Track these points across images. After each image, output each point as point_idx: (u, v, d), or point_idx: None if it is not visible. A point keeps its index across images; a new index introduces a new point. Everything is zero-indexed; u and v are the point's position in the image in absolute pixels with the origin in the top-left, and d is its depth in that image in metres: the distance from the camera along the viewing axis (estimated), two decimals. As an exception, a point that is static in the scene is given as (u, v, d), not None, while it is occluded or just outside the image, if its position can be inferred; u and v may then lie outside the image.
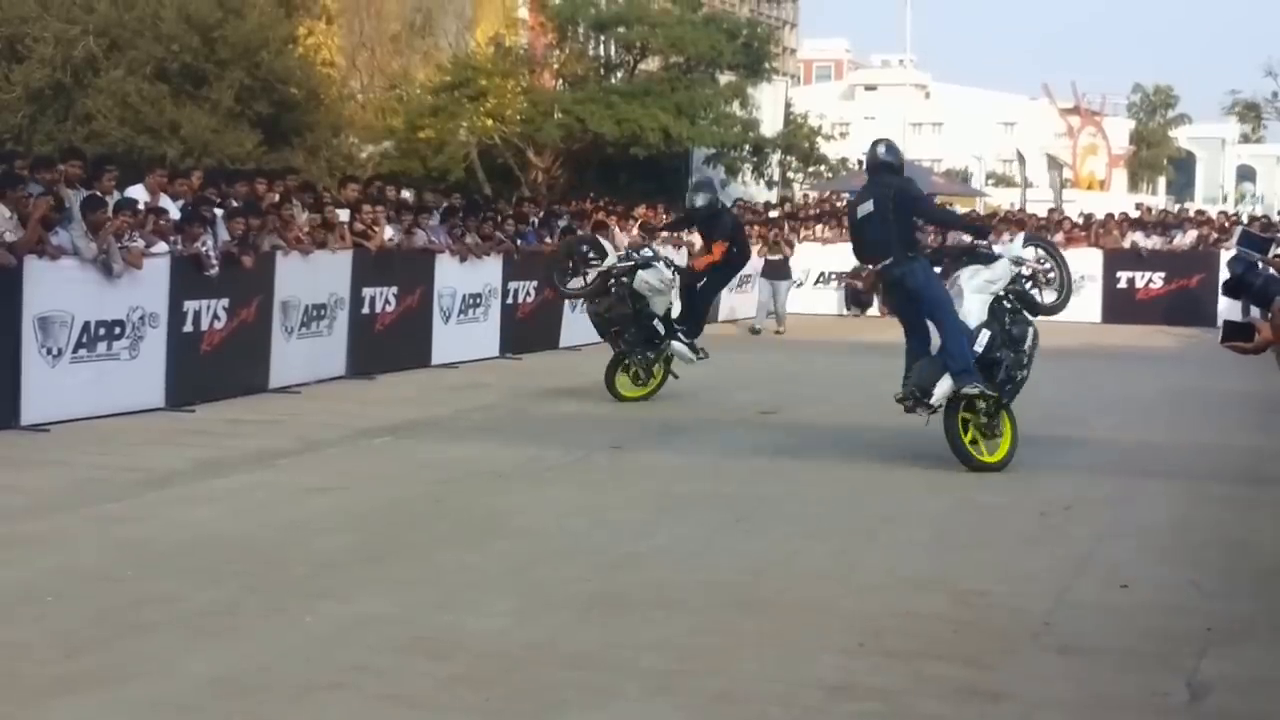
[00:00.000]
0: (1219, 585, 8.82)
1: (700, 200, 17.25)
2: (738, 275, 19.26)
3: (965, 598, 8.22)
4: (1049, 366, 20.53)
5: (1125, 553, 9.65)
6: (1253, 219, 38.06)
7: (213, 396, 15.40)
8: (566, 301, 22.76)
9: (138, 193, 16.25)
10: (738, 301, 30.06)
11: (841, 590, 8.46)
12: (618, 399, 16.60)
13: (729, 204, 32.29)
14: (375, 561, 9.01)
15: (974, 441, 12.23)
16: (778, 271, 28.70)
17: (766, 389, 17.88)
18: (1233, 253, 6.55)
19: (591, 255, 16.80)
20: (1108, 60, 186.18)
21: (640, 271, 16.59)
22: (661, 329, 16.75)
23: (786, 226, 30.85)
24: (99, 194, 14.99)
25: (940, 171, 67.09)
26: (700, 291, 17.31)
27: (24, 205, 13.84)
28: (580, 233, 19.08)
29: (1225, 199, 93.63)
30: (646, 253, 16.93)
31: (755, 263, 29.12)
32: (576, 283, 16.85)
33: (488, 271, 20.99)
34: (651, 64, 37.46)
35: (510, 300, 21.56)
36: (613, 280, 16.49)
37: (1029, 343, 12.42)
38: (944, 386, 12.04)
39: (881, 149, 12.64)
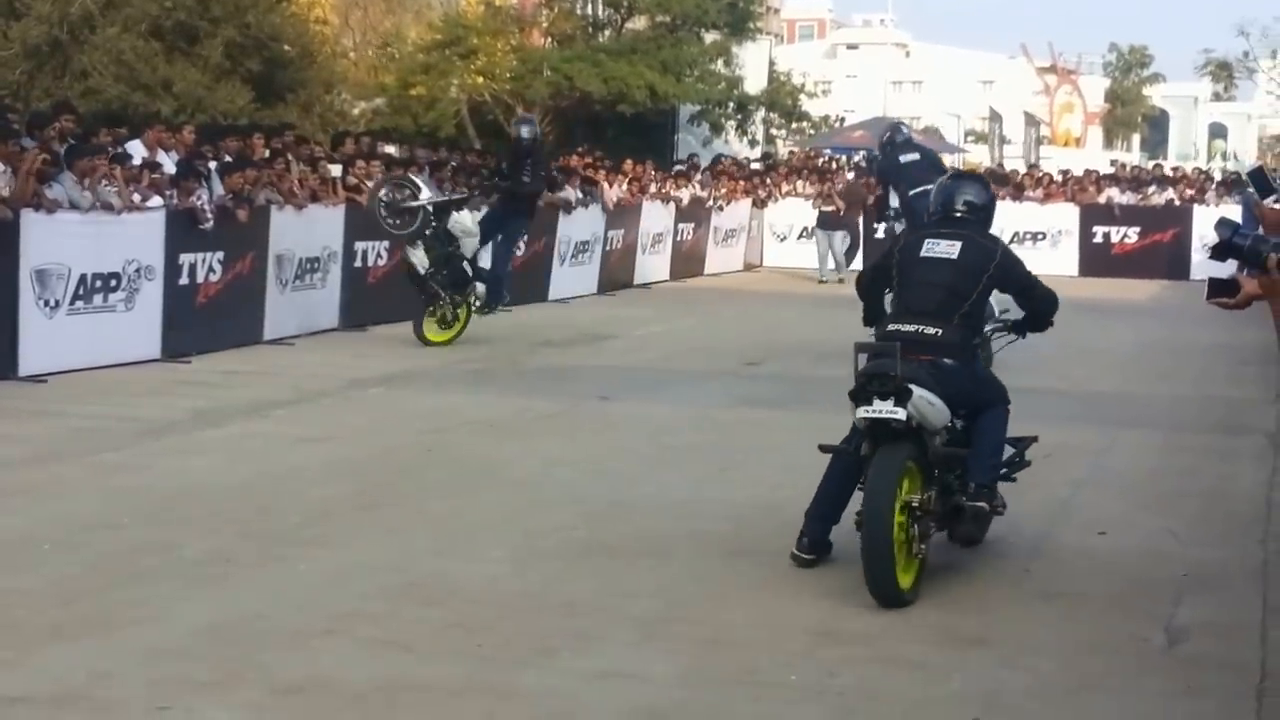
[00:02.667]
0: (1194, 532, 8.82)
1: (525, 131, 17.14)
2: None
3: (948, 546, 8.16)
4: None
5: (1103, 500, 9.65)
6: (1226, 175, 38.03)
7: (208, 348, 15.33)
8: (555, 254, 22.75)
9: (135, 148, 16.17)
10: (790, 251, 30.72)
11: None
12: (425, 344, 16.47)
13: (715, 159, 32.36)
14: (368, 510, 8.97)
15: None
16: (831, 223, 28.93)
17: (750, 341, 17.83)
18: (1220, 213, 6.48)
19: (407, 194, 16.35)
20: (1084, 20, 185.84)
21: (455, 212, 16.61)
22: (470, 271, 16.80)
23: (836, 180, 30.97)
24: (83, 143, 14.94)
25: (920, 129, 66.91)
26: (500, 244, 17.37)
27: (18, 159, 13.73)
28: (394, 173, 18.07)
29: (1197, 155, 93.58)
30: (460, 192, 16.90)
31: (810, 215, 29.36)
32: (403, 221, 16.36)
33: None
34: (638, 23, 37.22)
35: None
36: (432, 220, 16.35)
37: None
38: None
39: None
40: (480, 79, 34.71)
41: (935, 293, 7.68)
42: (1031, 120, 49.95)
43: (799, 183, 32.46)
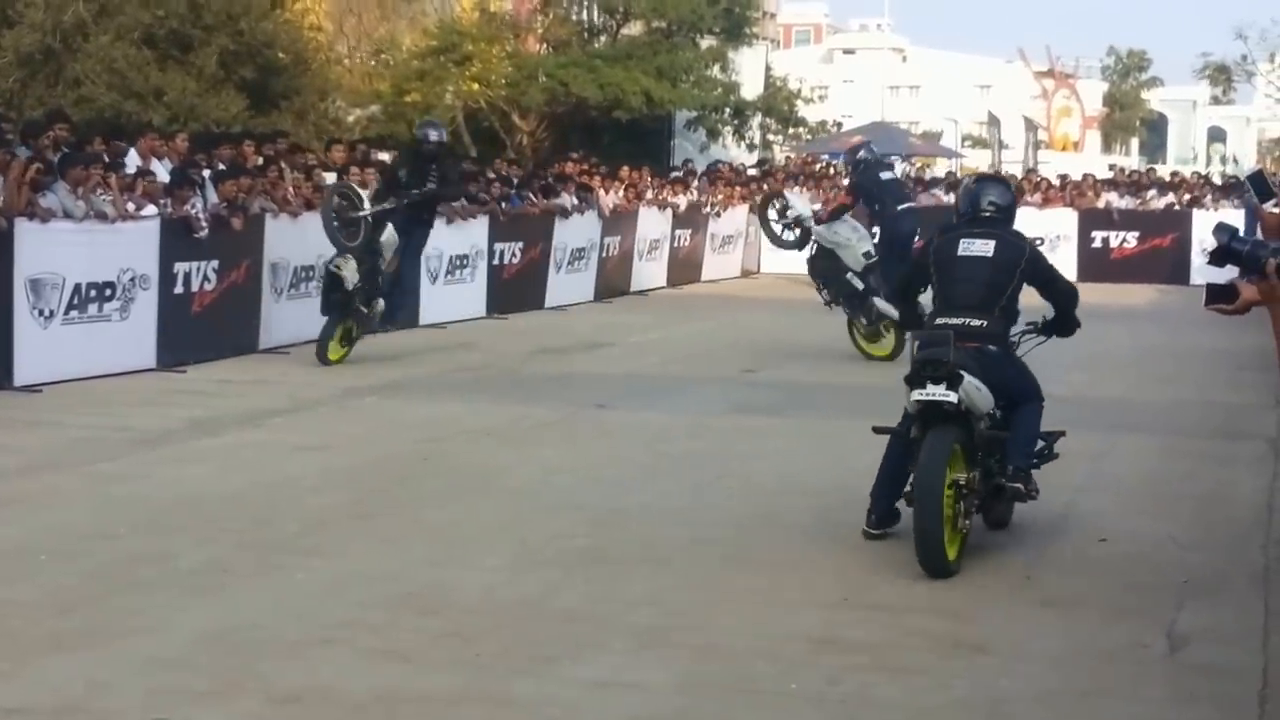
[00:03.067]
0: (1195, 538, 8.83)
1: (433, 135, 16.01)
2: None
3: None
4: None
5: (1103, 507, 9.65)
6: (1225, 179, 38.06)
7: (203, 357, 15.33)
8: (551, 261, 22.77)
9: (130, 157, 16.16)
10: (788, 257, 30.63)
11: (825, 545, 8.45)
12: (326, 364, 15.36)
13: (712, 164, 32.39)
14: (365, 519, 8.98)
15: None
16: None
17: (748, 347, 17.84)
18: (1219, 217, 6.52)
19: (347, 205, 15.58)
20: (1082, 24, 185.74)
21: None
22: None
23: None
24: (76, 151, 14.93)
25: (918, 134, 66.96)
26: (409, 257, 16.34)
27: (9, 168, 13.72)
28: (338, 181, 17.67)
29: (1196, 159, 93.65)
30: (391, 201, 15.71)
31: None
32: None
33: (474, 233, 20.87)
34: (634, 28, 37.27)
35: (496, 261, 21.45)
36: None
37: None
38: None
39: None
40: (475, 85, 34.73)
41: (976, 288, 8.40)
42: (1030, 125, 49.94)
43: (796, 188, 32.47)
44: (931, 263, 8.60)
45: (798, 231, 17.44)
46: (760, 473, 10.56)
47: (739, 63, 37.76)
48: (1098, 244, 30.36)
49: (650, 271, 26.72)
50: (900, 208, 18.79)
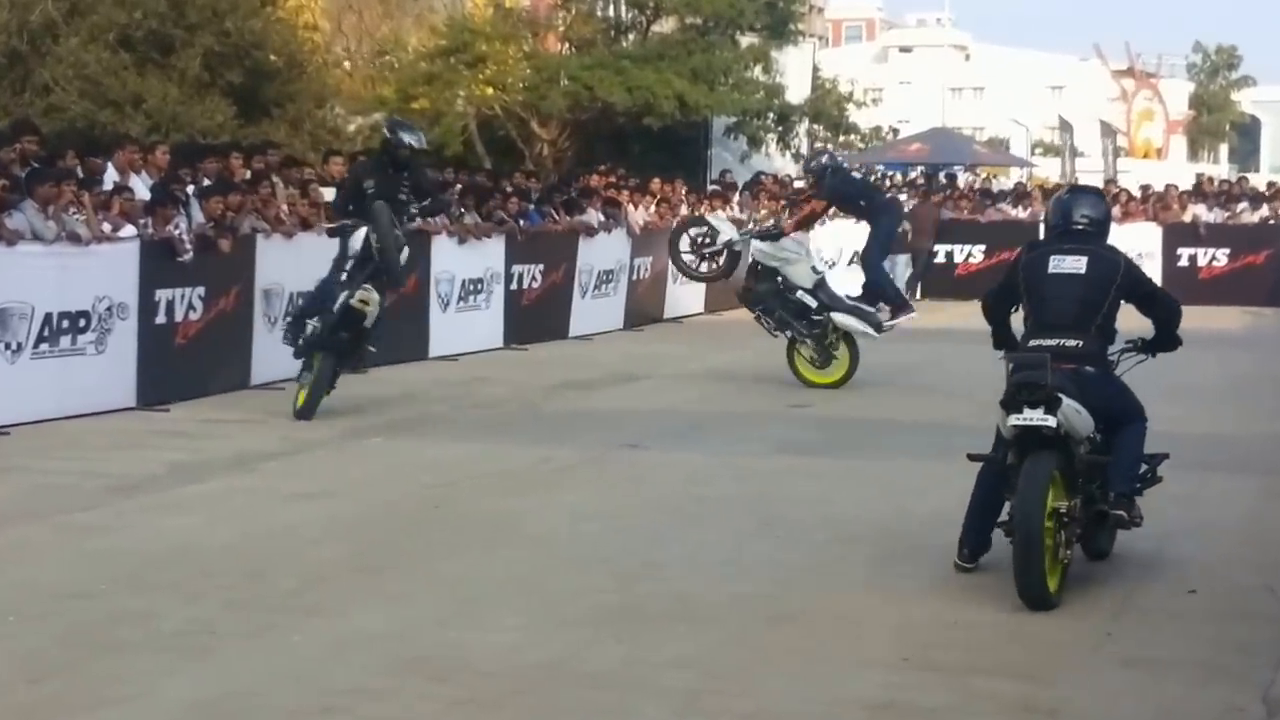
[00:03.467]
0: (1296, 590, 8.78)
1: (410, 138, 15.22)
2: None
3: (1020, 606, 8.17)
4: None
5: (1192, 554, 9.61)
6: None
7: (188, 394, 15.37)
8: (576, 285, 22.81)
9: (108, 174, 16.22)
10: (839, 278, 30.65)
11: (882, 600, 8.43)
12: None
13: (754, 177, 32.41)
14: (369, 573, 8.99)
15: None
16: (895, 246, 28.96)
17: (795, 380, 17.80)
18: None
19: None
20: (1165, 17, 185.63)
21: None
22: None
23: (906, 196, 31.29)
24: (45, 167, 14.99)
25: (982, 141, 66.96)
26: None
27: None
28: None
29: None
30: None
31: (863, 239, 29.40)
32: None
33: (489, 254, 20.91)
34: (666, 25, 37.34)
35: (515, 285, 21.48)
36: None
37: None
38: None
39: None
40: (490, 90, 34.84)
41: (1070, 306, 8.73)
42: (1107, 130, 49.85)
43: (718, 210, 32.41)
44: (1021, 281, 8.91)
45: (722, 259, 17.87)
46: (809, 519, 10.54)
47: (783, 63, 37.77)
48: (1184, 262, 30.29)
49: (686, 296, 26.73)
50: (888, 196, 19.79)
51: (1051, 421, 8.20)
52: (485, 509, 10.87)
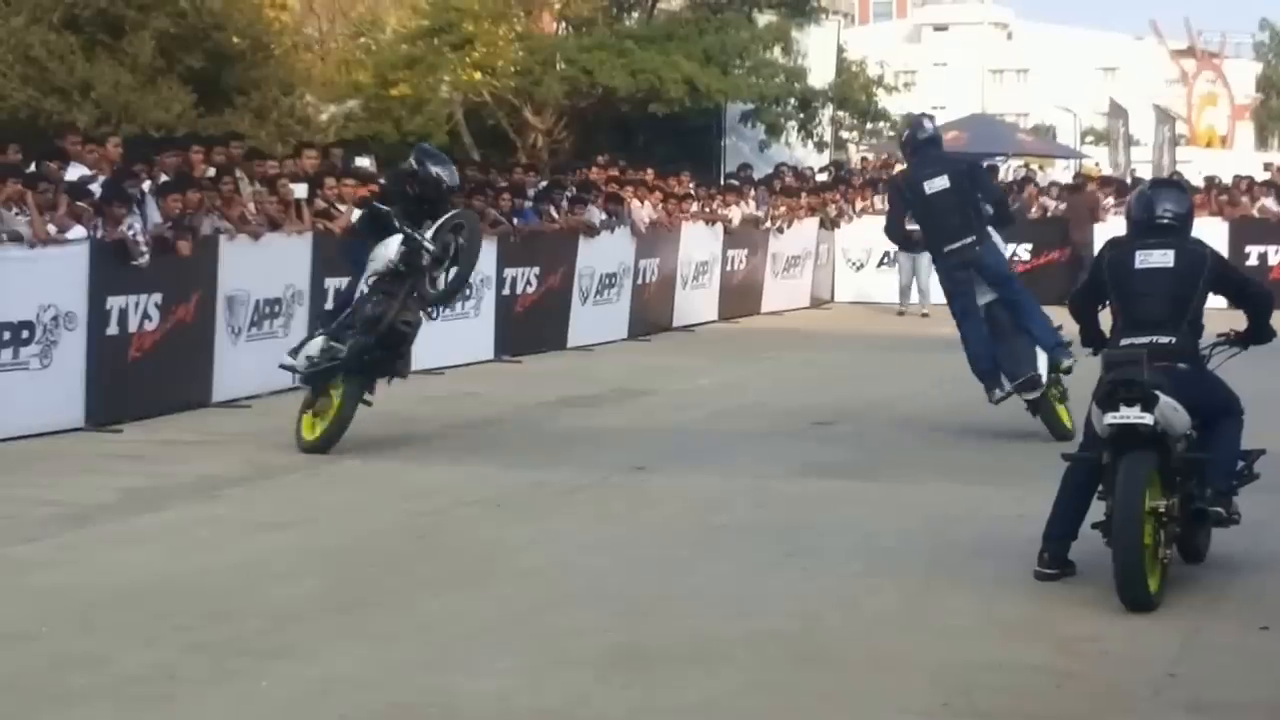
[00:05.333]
0: (1382, 626, 8.76)
1: (448, 178, 14.46)
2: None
3: (1071, 645, 8.17)
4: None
5: (1265, 587, 9.59)
6: None
7: (144, 413, 15.37)
8: (575, 290, 22.81)
9: (71, 171, 16.18)
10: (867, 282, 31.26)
11: (919, 638, 8.41)
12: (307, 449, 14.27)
13: (774, 170, 32.43)
14: (346, 611, 8.98)
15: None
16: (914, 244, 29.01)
17: (820, 395, 17.82)
18: None
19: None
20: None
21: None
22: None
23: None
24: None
25: (1027, 128, 67.01)
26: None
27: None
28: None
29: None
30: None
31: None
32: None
33: (480, 257, 20.88)
34: (674, 2, 37.45)
35: (507, 291, 21.50)
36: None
37: None
38: (1042, 365, 13.64)
39: (930, 125, 13.96)
40: (478, 75, 34.88)
41: (1159, 303, 9.43)
42: (1164, 116, 49.84)
43: (877, 197, 32.49)
44: (1107, 279, 9.64)
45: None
46: (837, 548, 10.53)
47: (805, 43, 37.85)
48: (1253, 260, 30.25)
49: (697, 302, 26.76)
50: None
51: (1149, 419, 8.83)
52: (475, 539, 10.86)
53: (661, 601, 9.21)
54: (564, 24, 37.42)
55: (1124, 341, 9.35)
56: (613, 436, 15.24)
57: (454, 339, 20.21)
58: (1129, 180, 38.23)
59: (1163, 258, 9.44)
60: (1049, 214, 31.92)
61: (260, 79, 30.40)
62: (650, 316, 25.00)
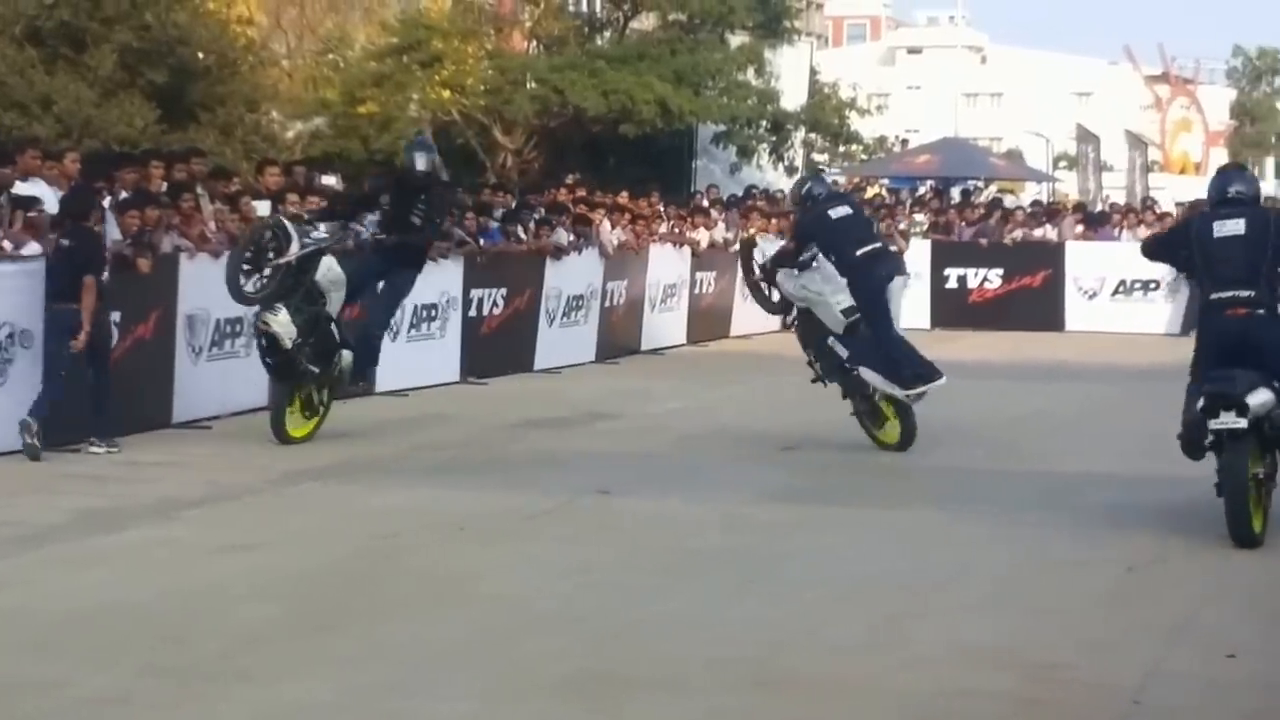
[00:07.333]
0: (1350, 655, 8.80)
1: (421, 161, 16.36)
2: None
3: (1037, 673, 8.19)
4: (1136, 389, 20.51)
5: (1232, 615, 9.63)
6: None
7: (101, 433, 15.31)
8: (542, 312, 22.80)
9: (40, 190, 16.10)
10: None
11: (884, 665, 8.43)
12: (286, 441, 15.33)
13: (745, 192, 32.48)
14: (307, 636, 8.96)
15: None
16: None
17: (789, 419, 17.83)
18: None
19: (273, 244, 15.48)
20: (1203, 18, 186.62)
21: (324, 258, 15.74)
22: (843, 351, 15.68)
23: (896, 215, 31.49)
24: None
25: (1000, 152, 67.20)
26: (382, 300, 16.49)
27: None
28: (269, 217, 17.33)
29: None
30: (320, 232, 15.71)
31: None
32: (253, 283, 15.56)
33: (445, 277, 20.88)
34: (646, 22, 37.48)
35: (473, 312, 21.49)
36: (292, 275, 15.48)
37: None
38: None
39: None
40: (447, 93, 34.86)
41: (1238, 263, 11.61)
42: (1137, 142, 50.03)
43: (768, 233, 32.53)
44: (1195, 248, 11.82)
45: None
46: (804, 575, 10.55)
47: (778, 65, 37.92)
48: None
49: (665, 325, 26.78)
50: (862, 251, 16.77)
51: (1243, 423, 11.16)
52: (439, 563, 10.84)
53: (626, 627, 9.22)
54: (535, 43, 37.44)
55: (1211, 296, 11.63)
56: (579, 460, 15.25)
57: (419, 361, 20.23)
58: (1100, 207, 38.49)
59: (1235, 225, 11.66)
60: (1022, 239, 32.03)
61: (225, 95, 30.31)
62: (618, 339, 25.01)
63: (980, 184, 43.98)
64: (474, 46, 35.45)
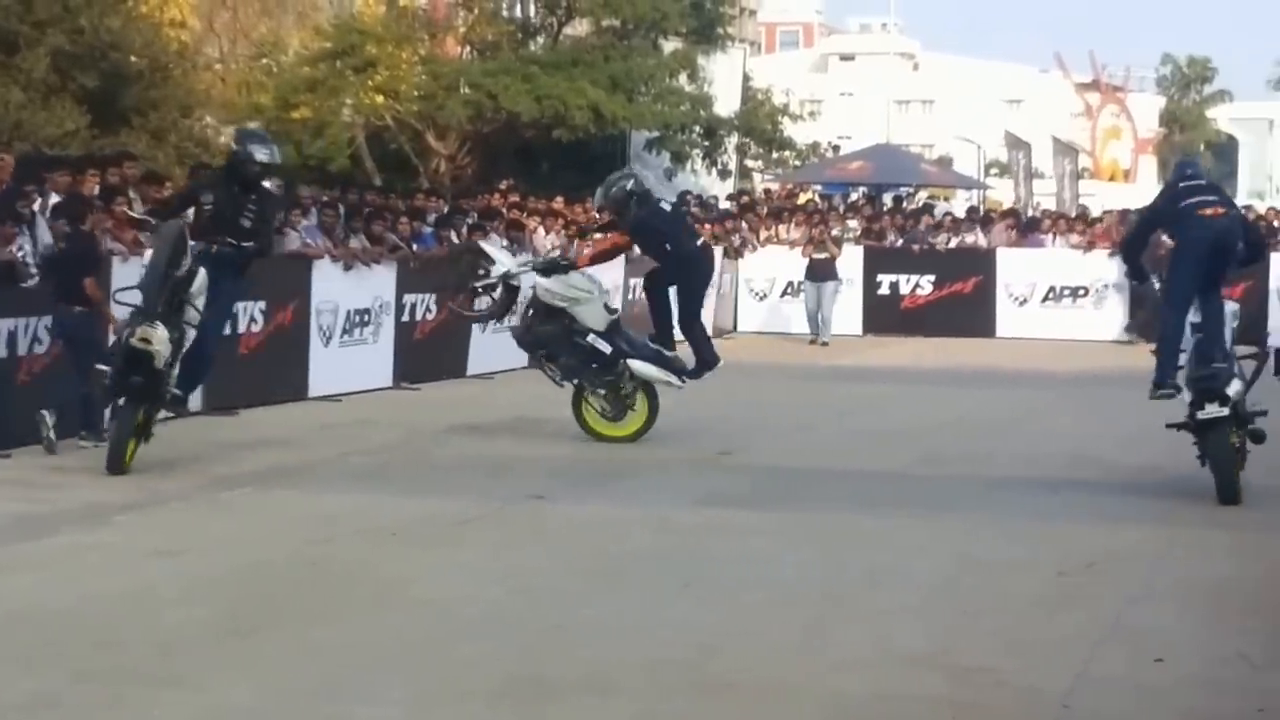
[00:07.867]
0: (1272, 656, 8.84)
1: (263, 154, 14.98)
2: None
3: (967, 676, 8.21)
4: (1067, 394, 20.61)
5: (1160, 618, 9.67)
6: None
7: (31, 437, 15.20)
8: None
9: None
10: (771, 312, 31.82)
11: (815, 669, 8.44)
12: (116, 472, 13.94)
13: (679, 198, 32.51)
14: (236, 639, 8.93)
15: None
16: (822, 273, 29.86)
17: (722, 423, 17.86)
18: None
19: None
20: (1132, 26, 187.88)
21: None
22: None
23: (830, 222, 31.73)
24: None
25: (931, 159, 67.44)
26: (215, 311, 15.12)
27: None
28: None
29: (1276, 191, 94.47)
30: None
31: (800, 265, 29.99)
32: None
33: (378, 282, 20.87)
34: (580, 28, 37.50)
35: (406, 317, 21.45)
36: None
37: None
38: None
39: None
40: (380, 98, 34.82)
41: (1210, 192, 14.01)
42: (1065, 149, 50.15)
43: (781, 227, 32.66)
44: (1170, 208, 14.04)
45: (498, 293, 16.99)
46: (736, 579, 10.54)
47: (711, 71, 37.99)
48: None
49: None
50: (700, 241, 18.29)
51: (1225, 411, 13.04)
52: (369, 568, 10.81)
53: (557, 631, 9.20)
54: (468, 48, 37.41)
55: (1189, 203, 13.67)
56: (511, 465, 15.22)
57: (352, 366, 20.20)
58: (1030, 213, 38.63)
59: (1208, 194, 13.79)
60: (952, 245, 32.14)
61: (158, 99, 30.19)
62: (552, 344, 24.93)
63: (911, 190, 44.13)
64: (408, 52, 35.41)
